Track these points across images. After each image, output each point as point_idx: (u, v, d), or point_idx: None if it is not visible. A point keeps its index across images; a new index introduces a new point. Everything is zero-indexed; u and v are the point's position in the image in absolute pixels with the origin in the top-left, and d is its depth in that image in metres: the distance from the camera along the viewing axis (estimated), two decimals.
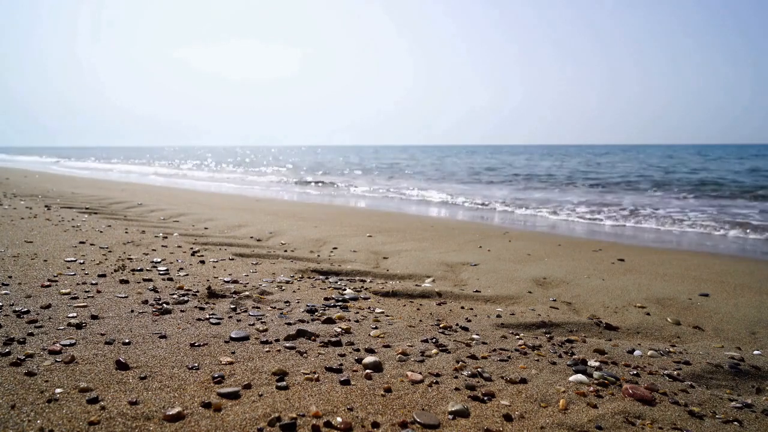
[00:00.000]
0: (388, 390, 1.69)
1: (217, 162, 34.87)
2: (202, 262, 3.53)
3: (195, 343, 2.01)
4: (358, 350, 2.05)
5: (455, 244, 5.09)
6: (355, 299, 2.84)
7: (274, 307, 2.59)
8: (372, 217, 7.38)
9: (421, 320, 2.53)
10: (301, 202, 10.26)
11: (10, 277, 2.80)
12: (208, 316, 2.36)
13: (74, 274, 2.95)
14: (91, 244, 3.90)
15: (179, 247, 4.04)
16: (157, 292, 2.72)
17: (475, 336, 2.32)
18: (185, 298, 2.61)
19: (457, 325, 2.48)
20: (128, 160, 37.52)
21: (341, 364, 1.88)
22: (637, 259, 4.62)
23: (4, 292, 2.52)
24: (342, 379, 1.74)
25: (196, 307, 2.50)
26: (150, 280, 2.95)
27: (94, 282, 2.82)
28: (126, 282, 2.87)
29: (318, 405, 1.55)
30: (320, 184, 16.82)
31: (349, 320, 2.45)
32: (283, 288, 2.99)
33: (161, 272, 3.15)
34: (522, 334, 2.42)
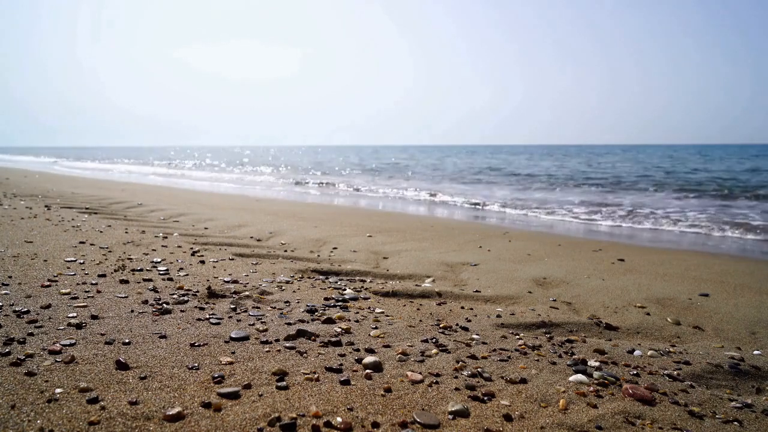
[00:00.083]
0: (388, 390, 1.69)
1: (217, 162, 34.86)
2: (202, 262, 3.53)
3: (195, 343, 2.01)
4: (358, 350, 2.05)
5: (455, 244, 5.09)
6: (355, 299, 2.84)
7: (274, 307, 2.59)
8: (372, 217, 7.38)
9: (421, 320, 2.53)
10: (301, 202, 10.25)
11: (10, 277, 2.80)
12: (208, 316, 2.36)
13: (74, 274, 2.95)
14: (91, 244, 3.90)
15: (179, 247, 4.04)
16: (157, 292, 2.72)
17: (475, 336, 2.33)
18: (185, 298, 2.61)
19: (457, 325, 2.48)
20: (128, 159, 37.51)
21: (341, 364, 1.88)
22: (637, 259, 4.62)
23: (4, 292, 2.52)
24: (342, 379, 1.74)
25: (196, 307, 2.50)
26: (150, 280, 2.95)
27: (94, 282, 2.82)
28: (126, 282, 2.87)
29: (318, 405, 1.55)
30: (320, 185, 16.82)
31: (349, 320, 2.45)
32: (283, 288, 2.99)
33: (161, 272, 3.15)
34: (522, 334, 2.42)
